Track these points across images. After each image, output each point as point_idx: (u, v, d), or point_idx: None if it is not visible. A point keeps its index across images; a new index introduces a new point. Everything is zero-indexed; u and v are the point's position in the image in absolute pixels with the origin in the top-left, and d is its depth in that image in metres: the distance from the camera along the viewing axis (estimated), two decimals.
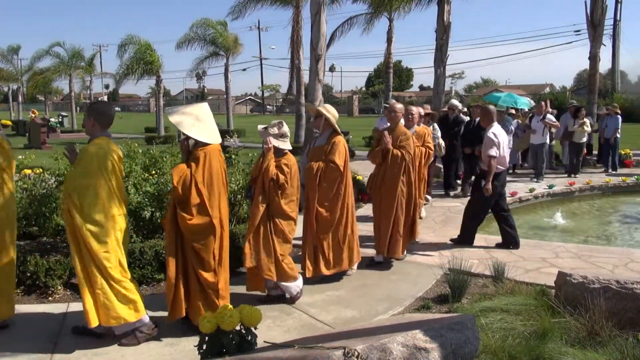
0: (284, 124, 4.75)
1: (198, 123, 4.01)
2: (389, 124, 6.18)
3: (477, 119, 9.57)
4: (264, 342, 3.26)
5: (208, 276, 4.01)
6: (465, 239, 6.67)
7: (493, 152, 6.22)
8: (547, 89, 62.26)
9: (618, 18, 32.32)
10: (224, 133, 13.41)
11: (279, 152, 4.73)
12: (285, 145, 4.73)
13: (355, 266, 5.57)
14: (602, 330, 3.66)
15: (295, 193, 4.77)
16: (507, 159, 6.67)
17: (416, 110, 7.30)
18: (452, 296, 4.70)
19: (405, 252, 6.06)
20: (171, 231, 4.03)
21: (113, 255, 3.82)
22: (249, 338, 3.21)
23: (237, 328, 3.18)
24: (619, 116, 13.43)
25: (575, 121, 12.51)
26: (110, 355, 3.80)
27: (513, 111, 12.72)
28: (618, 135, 13.22)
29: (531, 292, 4.54)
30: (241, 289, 5.08)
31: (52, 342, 3.95)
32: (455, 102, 11.01)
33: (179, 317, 4.06)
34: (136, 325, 3.94)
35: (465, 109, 13.02)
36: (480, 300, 4.52)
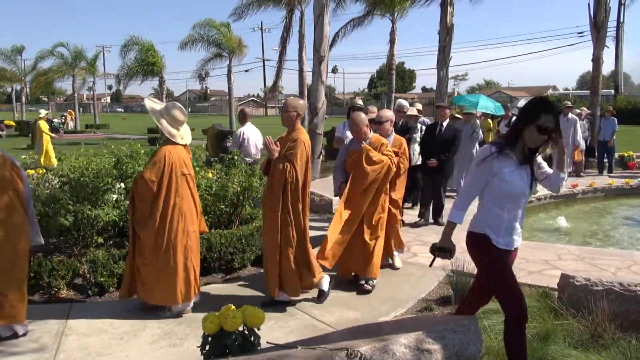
0: None
1: None
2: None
3: (445, 123, 7.87)
4: (267, 343, 3.26)
5: None
6: None
7: (233, 146, 7.97)
8: (550, 91, 62.21)
9: (621, 20, 32.28)
10: (226, 134, 13.46)
11: None
12: None
13: (190, 304, 4.53)
14: (605, 332, 3.66)
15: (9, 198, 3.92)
16: (253, 151, 8.09)
17: (390, 114, 5.97)
18: (455, 298, 4.69)
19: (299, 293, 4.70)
20: None
21: None
22: (252, 339, 3.22)
23: (240, 329, 3.20)
24: (614, 118, 13.34)
25: None
26: (114, 355, 3.81)
27: (479, 114, 11.55)
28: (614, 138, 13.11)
29: (534, 294, 4.53)
30: (243, 292, 5.09)
31: (55, 342, 3.97)
32: (403, 102, 8.53)
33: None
34: None
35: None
36: None
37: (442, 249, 3.24)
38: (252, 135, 8.20)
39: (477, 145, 10.28)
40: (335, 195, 5.74)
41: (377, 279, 5.17)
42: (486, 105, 11.50)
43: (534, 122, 2.98)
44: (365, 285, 5.10)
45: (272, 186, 4.56)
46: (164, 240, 4.33)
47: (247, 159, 7.49)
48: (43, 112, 14.94)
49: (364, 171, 4.95)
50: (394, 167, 5.16)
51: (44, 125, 14.27)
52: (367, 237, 5.09)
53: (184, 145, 4.57)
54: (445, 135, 7.77)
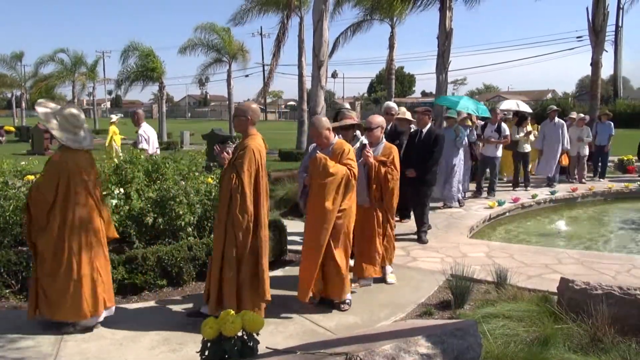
0: None
1: None
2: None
3: (425, 129, 7.35)
4: (266, 348, 3.26)
5: None
6: None
7: (143, 145, 8.41)
8: (550, 95, 62.34)
9: (620, 24, 32.40)
10: (226, 139, 13.45)
11: None
12: None
13: (100, 318, 4.25)
14: (604, 336, 3.66)
15: None
16: (152, 149, 8.70)
17: (380, 120, 5.57)
18: (455, 302, 4.69)
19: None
20: None
21: None
22: (251, 344, 3.22)
23: (239, 334, 3.19)
24: (610, 122, 13.26)
25: (518, 129, 11.43)
26: None
27: (469, 121, 10.67)
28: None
29: (534, 299, 4.53)
30: None
31: (54, 348, 3.96)
32: (391, 104, 7.94)
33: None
34: None
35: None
36: (483, 307, 4.51)
37: None
38: (151, 134, 8.99)
39: (461, 151, 9.39)
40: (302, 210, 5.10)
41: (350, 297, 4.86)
42: (466, 105, 10.52)
43: None
44: (343, 306, 4.76)
45: (219, 196, 4.36)
46: (64, 252, 4.02)
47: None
48: (114, 117, 14.61)
49: (317, 183, 4.55)
50: (354, 178, 4.66)
51: (115, 129, 13.83)
52: (337, 258, 4.65)
53: (85, 151, 4.23)
54: (425, 141, 7.24)
